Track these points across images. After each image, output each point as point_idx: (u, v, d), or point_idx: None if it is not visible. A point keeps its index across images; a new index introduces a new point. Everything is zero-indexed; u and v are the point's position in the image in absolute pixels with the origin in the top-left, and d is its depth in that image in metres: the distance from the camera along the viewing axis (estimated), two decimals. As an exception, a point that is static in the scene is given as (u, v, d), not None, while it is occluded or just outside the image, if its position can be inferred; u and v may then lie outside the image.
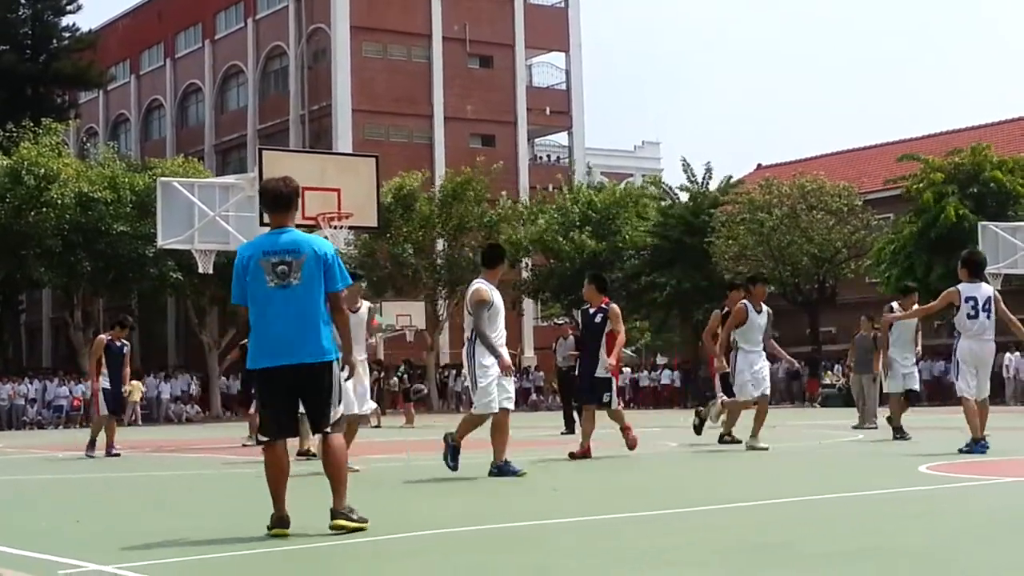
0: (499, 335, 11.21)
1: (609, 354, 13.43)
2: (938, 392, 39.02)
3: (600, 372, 13.57)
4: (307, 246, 7.26)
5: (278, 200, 7.42)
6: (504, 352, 11.19)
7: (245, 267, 7.29)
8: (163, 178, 25.48)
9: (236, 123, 66.61)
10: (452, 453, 11.24)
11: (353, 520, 7.06)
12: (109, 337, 18.02)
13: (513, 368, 12.09)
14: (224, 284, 43.20)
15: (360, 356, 12.18)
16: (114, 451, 17.76)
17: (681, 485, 10.85)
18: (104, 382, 17.75)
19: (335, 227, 20.41)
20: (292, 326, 7.14)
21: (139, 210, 42.30)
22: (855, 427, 20.56)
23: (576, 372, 22.19)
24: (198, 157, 56.15)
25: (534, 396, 51.76)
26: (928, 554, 5.92)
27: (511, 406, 11.34)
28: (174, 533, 7.39)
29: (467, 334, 11.29)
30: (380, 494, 10.15)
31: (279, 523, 7.09)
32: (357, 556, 6.44)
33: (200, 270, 23.13)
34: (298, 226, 21.23)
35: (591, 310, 13.70)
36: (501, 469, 11.21)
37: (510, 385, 11.37)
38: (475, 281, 11.32)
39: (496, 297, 11.20)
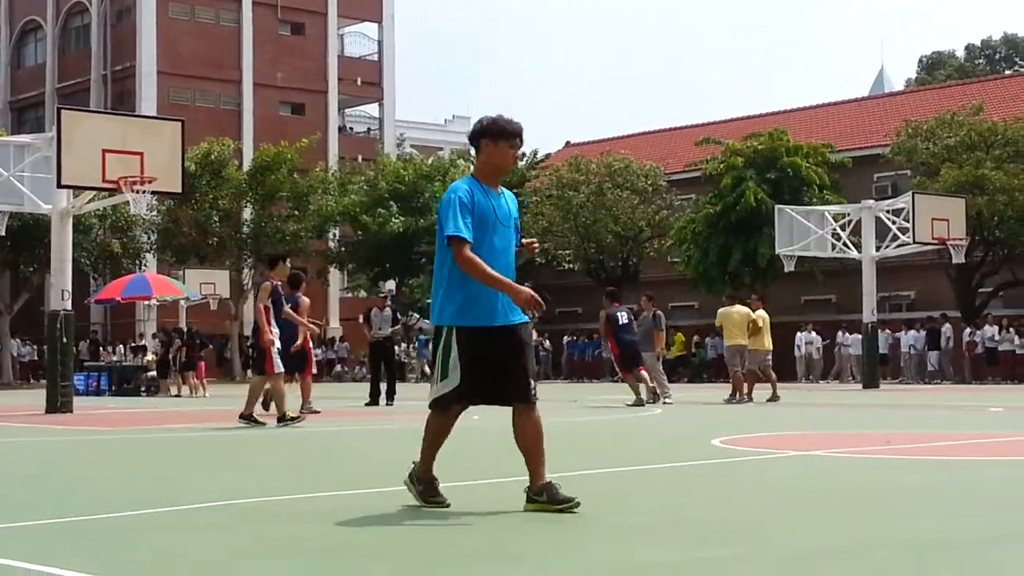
0: None
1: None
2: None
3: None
4: None
5: None
6: None
7: None
8: (-46, 135, 24.41)
9: (33, 80, 64.13)
10: None
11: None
12: None
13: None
14: (15, 248, 41.16)
15: None
16: None
17: (487, 455, 10.98)
18: None
19: (137, 191, 19.83)
20: None
21: (-73, 168, 40.38)
22: (650, 402, 21.14)
23: (390, 343, 22.54)
24: (-8, 114, 53.89)
25: (339, 368, 51.54)
26: (730, 523, 6.12)
27: None
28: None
29: None
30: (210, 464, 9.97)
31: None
32: (162, 527, 6.32)
33: (-9, 232, 22.18)
34: (95, 189, 20.43)
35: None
36: None
37: None
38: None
39: None
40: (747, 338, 22.18)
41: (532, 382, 6.51)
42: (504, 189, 6.72)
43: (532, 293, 6.30)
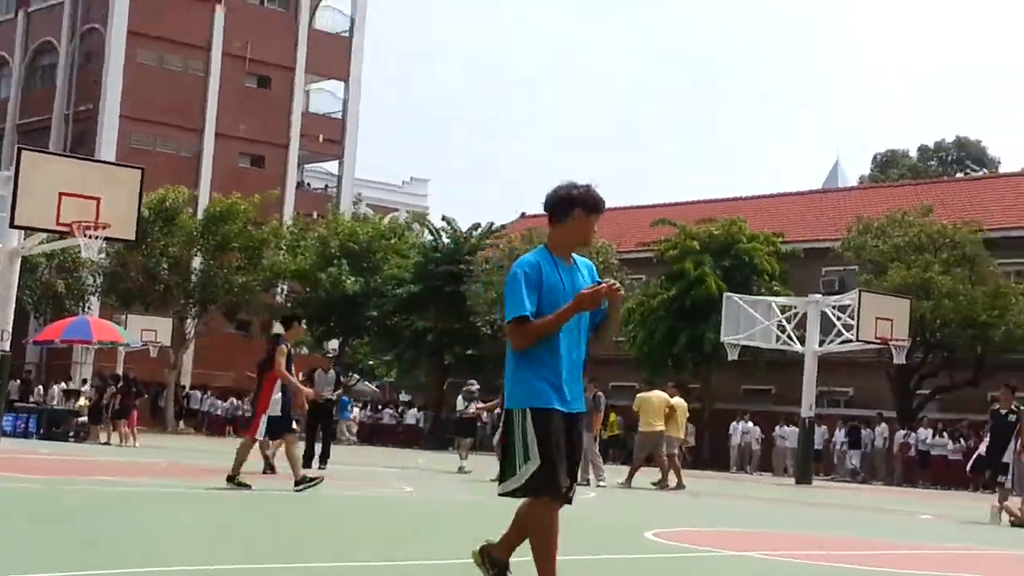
0: None
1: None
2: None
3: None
4: None
5: None
6: None
7: None
8: (-91, 166, 24.21)
9: (-5, 114, 63.77)
10: None
11: None
12: None
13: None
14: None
15: None
16: None
17: (401, 535, 10.94)
18: None
19: (90, 236, 19.74)
20: None
21: None
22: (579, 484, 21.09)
23: (330, 405, 22.34)
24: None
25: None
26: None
27: None
28: None
29: None
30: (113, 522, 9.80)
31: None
32: None
33: (-57, 268, 21.97)
34: (48, 231, 20.16)
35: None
36: None
37: None
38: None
39: None
40: (664, 424, 22.14)
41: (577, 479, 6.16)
42: (578, 258, 6.18)
43: (591, 289, 5.91)
